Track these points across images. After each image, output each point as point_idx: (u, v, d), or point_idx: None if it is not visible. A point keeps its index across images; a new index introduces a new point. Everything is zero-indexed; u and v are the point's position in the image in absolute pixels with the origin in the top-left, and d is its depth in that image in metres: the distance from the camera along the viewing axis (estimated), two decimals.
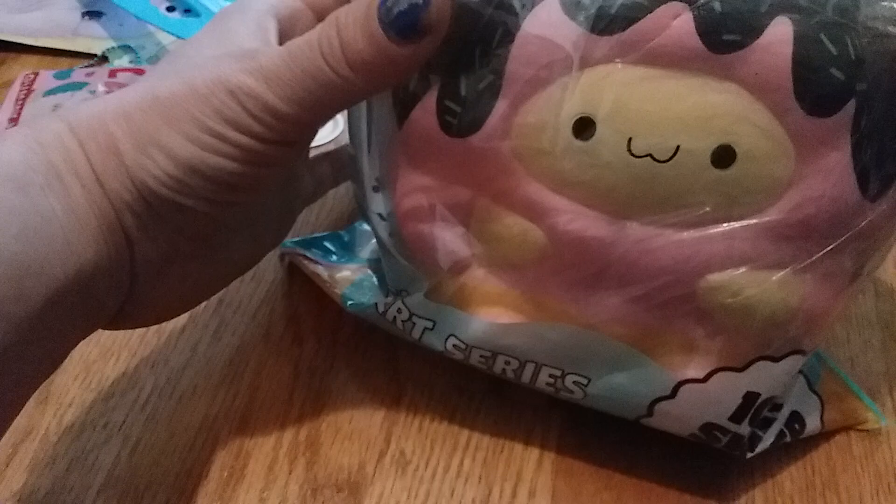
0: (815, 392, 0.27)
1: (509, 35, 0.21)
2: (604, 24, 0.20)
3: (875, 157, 0.20)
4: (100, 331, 0.27)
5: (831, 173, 0.20)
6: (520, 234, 0.22)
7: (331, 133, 0.38)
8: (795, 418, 0.26)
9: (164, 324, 0.30)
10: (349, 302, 0.28)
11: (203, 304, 0.30)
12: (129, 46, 0.41)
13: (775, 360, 0.23)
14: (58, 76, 0.38)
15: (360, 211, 0.30)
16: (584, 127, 0.21)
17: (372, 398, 0.28)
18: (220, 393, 0.28)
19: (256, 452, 0.27)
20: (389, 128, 0.24)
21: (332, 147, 0.37)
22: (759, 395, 0.23)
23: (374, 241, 0.31)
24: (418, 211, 0.23)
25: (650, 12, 0.19)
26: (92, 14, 0.43)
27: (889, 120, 0.20)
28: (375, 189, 0.27)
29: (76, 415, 0.27)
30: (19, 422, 0.27)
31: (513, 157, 0.22)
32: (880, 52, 0.19)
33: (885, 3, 0.20)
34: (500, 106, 0.21)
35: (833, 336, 0.31)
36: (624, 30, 0.20)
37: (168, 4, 0.43)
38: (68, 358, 0.26)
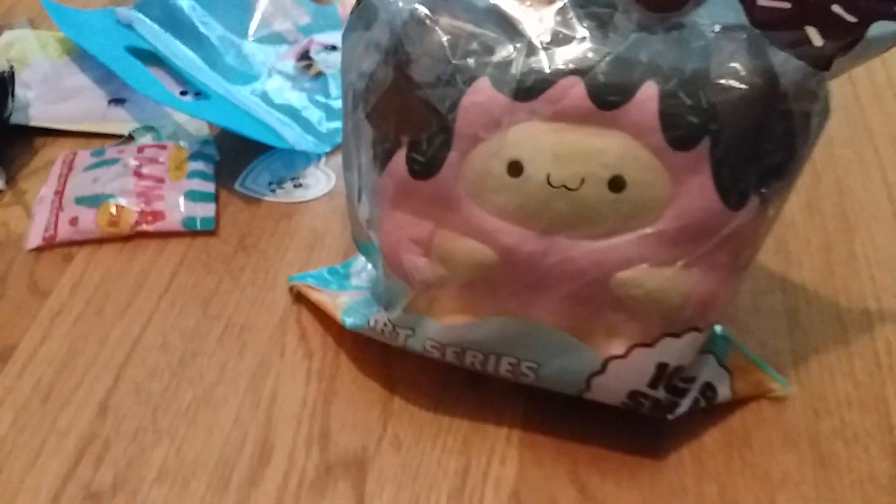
0: (724, 367, 0.33)
1: (455, 104, 0.28)
2: (522, 94, 0.27)
3: (730, 177, 0.27)
4: (145, 355, 0.33)
5: (698, 192, 0.27)
6: (475, 253, 0.29)
7: (325, 187, 0.45)
8: (708, 387, 0.33)
9: (197, 347, 0.37)
10: (348, 321, 0.35)
11: (229, 330, 0.37)
12: (152, 126, 0.48)
13: (677, 336, 0.30)
14: (94, 154, 0.45)
15: (355, 244, 0.37)
16: (515, 168, 0.28)
17: (370, 396, 0.35)
18: (246, 399, 0.35)
19: (279, 443, 0.33)
20: (373, 177, 0.31)
21: (326, 199, 0.45)
22: (667, 364, 0.30)
23: (366, 272, 0.38)
24: (395, 245, 0.31)
25: (554, 83, 0.27)
26: (117, 101, 0.50)
27: (737, 149, 0.27)
28: (368, 226, 0.34)
29: (131, 423, 0.34)
30: (83, 430, 0.33)
31: (464, 193, 0.29)
32: (726, 100, 0.27)
33: (729, 65, 0.27)
34: (452, 155, 0.29)
35: (745, 326, 0.38)
36: (537, 97, 0.27)
37: (181, 89, 0.50)
38: (120, 379, 0.33)
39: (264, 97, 0.51)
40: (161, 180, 0.44)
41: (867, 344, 0.37)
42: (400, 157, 0.30)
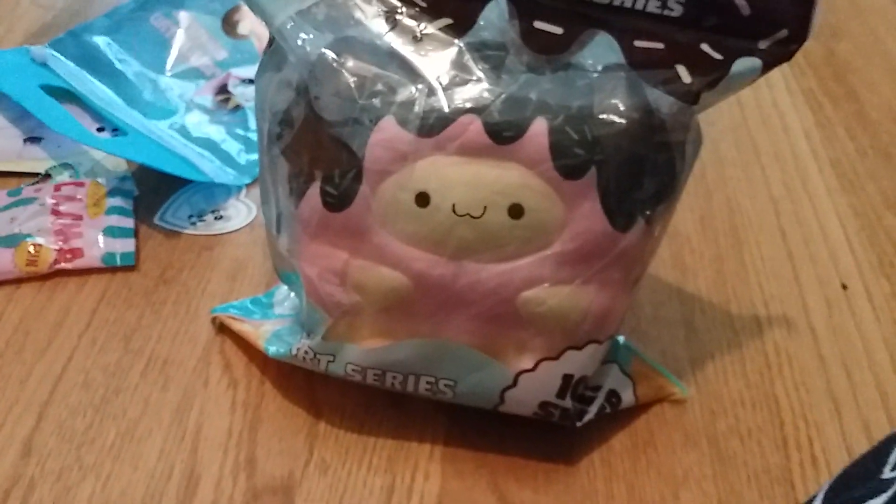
0: (626, 374, 0.36)
1: (364, 141, 0.30)
2: (426, 131, 0.29)
3: (616, 202, 0.30)
4: (68, 393, 0.34)
5: (588, 216, 0.30)
6: (389, 280, 0.31)
7: (246, 219, 0.46)
8: (613, 394, 0.35)
9: (120, 383, 0.37)
10: (270, 350, 0.36)
11: (151, 364, 0.38)
12: (69, 164, 0.48)
13: (579, 348, 0.32)
14: (10, 194, 0.45)
15: (277, 274, 0.39)
16: (422, 199, 0.30)
17: (296, 421, 0.36)
18: (171, 432, 0.35)
19: (206, 474, 0.34)
20: (290, 210, 0.33)
21: (247, 230, 0.46)
22: (572, 375, 0.32)
23: (289, 300, 0.39)
24: (313, 275, 0.32)
25: (454, 121, 0.29)
26: (33, 139, 0.50)
27: (621, 177, 0.30)
28: (290, 255, 0.35)
29: (56, 462, 0.34)
30: (7, 471, 0.33)
31: (376, 224, 0.31)
32: (608, 133, 0.29)
33: (610, 102, 0.30)
34: (363, 189, 0.30)
35: (646, 335, 0.41)
36: (439, 133, 0.29)
37: (98, 126, 0.50)
38: (43, 418, 0.33)
39: (182, 131, 0.52)
40: (79, 217, 0.44)
41: (758, 347, 0.41)
42: (314, 191, 0.31)
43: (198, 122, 0.52)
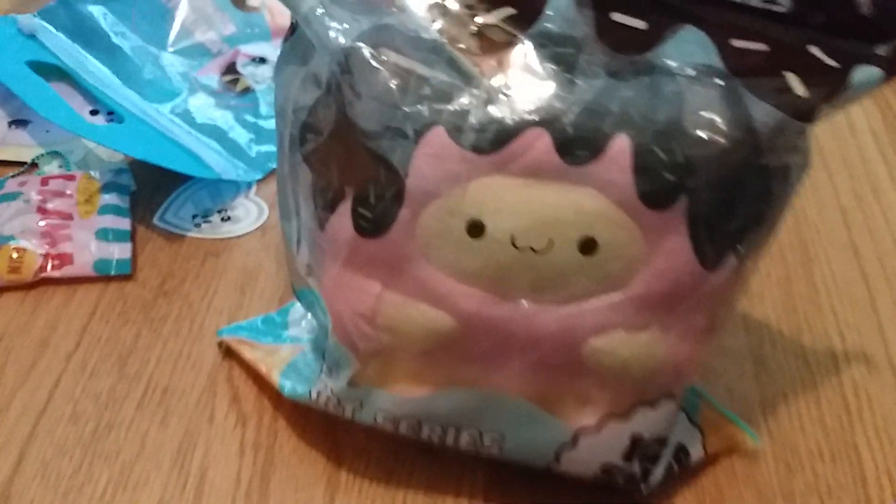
0: (695, 424, 0.31)
1: (406, 156, 0.25)
2: (483, 146, 0.24)
3: (708, 237, 0.25)
4: (53, 427, 0.29)
5: (674, 253, 0.25)
6: (431, 320, 0.26)
7: (257, 220, 0.41)
8: (681, 450, 0.30)
9: (113, 416, 0.33)
10: (286, 386, 0.31)
11: (149, 393, 0.33)
12: (58, 152, 0.43)
13: (652, 405, 0.27)
14: None
15: (293, 291, 0.34)
16: (476, 228, 0.25)
17: (314, 467, 0.31)
18: (171, 479, 0.31)
19: None
20: (314, 228, 0.28)
21: (258, 234, 0.41)
22: (642, 436, 0.28)
23: (305, 320, 0.34)
24: (338, 309, 0.27)
25: (518, 135, 0.24)
26: (18, 122, 0.45)
27: (716, 207, 0.25)
28: (307, 274, 0.30)
29: None
30: None
31: (418, 254, 0.26)
32: (704, 154, 0.24)
33: (704, 114, 0.24)
34: (405, 212, 0.25)
35: (711, 369, 0.36)
36: (499, 150, 0.24)
37: (91, 108, 0.45)
38: (25, 458, 0.28)
39: (185, 116, 0.46)
40: (69, 217, 0.39)
41: (835, 387, 0.36)
42: (344, 211, 0.26)
43: (203, 106, 0.47)
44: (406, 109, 0.24)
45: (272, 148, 0.45)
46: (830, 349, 0.37)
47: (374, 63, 0.25)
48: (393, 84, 0.25)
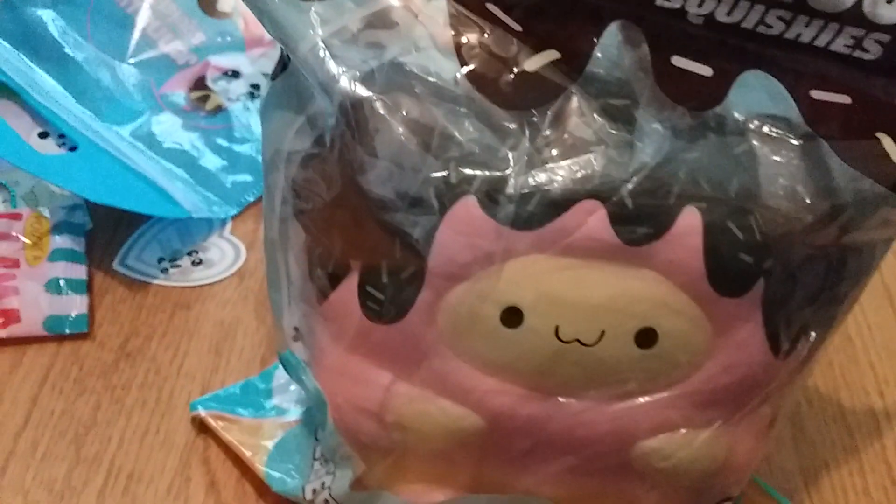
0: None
1: (428, 230, 0.20)
2: (522, 221, 0.20)
3: (784, 324, 0.21)
4: None
5: (745, 343, 0.21)
6: (455, 419, 0.22)
7: (233, 264, 0.36)
8: None
9: None
10: (274, 478, 0.27)
11: (112, 480, 0.29)
12: (2, 184, 0.37)
13: None
14: None
15: (278, 353, 0.29)
16: (513, 316, 0.21)
17: None
18: None
19: None
20: (309, 296, 0.23)
21: (235, 280, 0.36)
22: None
23: (293, 387, 0.30)
24: (339, 401, 0.23)
25: (566, 210, 0.20)
26: None
27: (795, 290, 0.21)
28: (295, 338, 0.26)
29: None
30: None
31: (440, 341, 0.22)
32: (783, 232, 0.20)
33: (783, 182, 0.21)
34: (425, 295, 0.21)
35: None
36: (543, 225, 0.20)
37: (41, 130, 0.40)
38: None
39: (148, 139, 0.41)
40: (15, 265, 0.34)
41: (877, 452, 0.33)
42: (349, 289, 0.22)
43: (168, 129, 0.42)
44: (429, 174, 0.20)
45: (249, 177, 0.40)
46: (871, 409, 0.34)
47: (388, 116, 0.20)
48: (412, 143, 0.20)
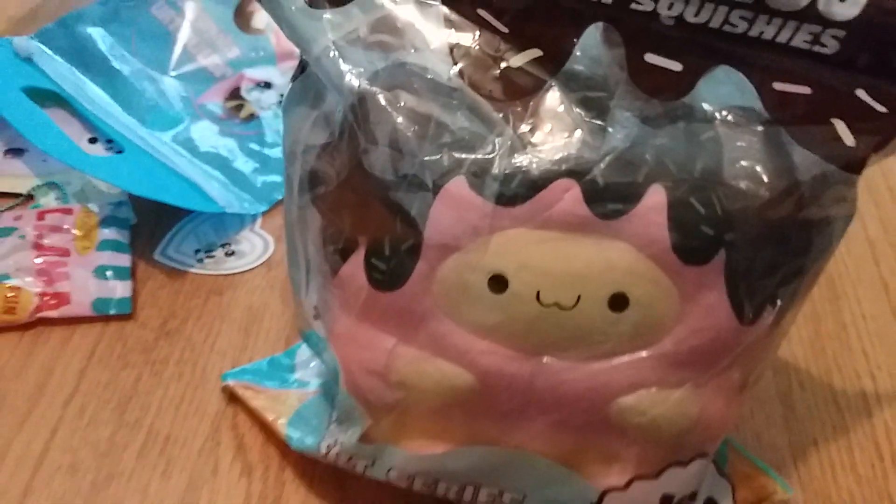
0: (724, 475, 0.30)
1: (424, 207, 0.23)
2: (506, 198, 0.23)
3: (747, 292, 0.23)
4: (51, 479, 0.27)
5: (710, 309, 0.23)
6: (450, 377, 0.25)
7: (262, 255, 0.40)
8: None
9: (113, 467, 0.31)
10: (294, 438, 0.30)
11: (150, 442, 0.32)
12: (55, 183, 0.41)
13: (683, 464, 0.26)
14: None
15: (300, 335, 0.32)
16: (498, 283, 0.23)
17: None
18: None
19: None
20: (324, 276, 0.26)
21: (264, 269, 0.39)
22: (673, 496, 0.26)
23: (313, 363, 0.33)
24: (349, 363, 0.26)
25: (545, 188, 0.22)
26: (14, 151, 0.43)
27: (755, 261, 0.23)
28: (315, 317, 0.29)
29: None
30: None
31: (435, 308, 0.24)
32: (745, 207, 0.23)
33: (744, 164, 0.23)
34: (422, 265, 0.24)
35: (739, 415, 0.34)
36: (524, 202, 0.23)
37: (90, 136, 0.44)
38: None
39: (188, 144, 0.45)
40: (66, 253, 0.37)
41: (867, 431, 0.34)
42: (357, 262, 0.25)
43: (206, 134, 0.45)
44: (424, 158, 0.23)
45: (278, 178, 0.43)
46: (862, 392, 0.36)
47: (389, 108, 0.23)
48: (410, 131, 0.23)
